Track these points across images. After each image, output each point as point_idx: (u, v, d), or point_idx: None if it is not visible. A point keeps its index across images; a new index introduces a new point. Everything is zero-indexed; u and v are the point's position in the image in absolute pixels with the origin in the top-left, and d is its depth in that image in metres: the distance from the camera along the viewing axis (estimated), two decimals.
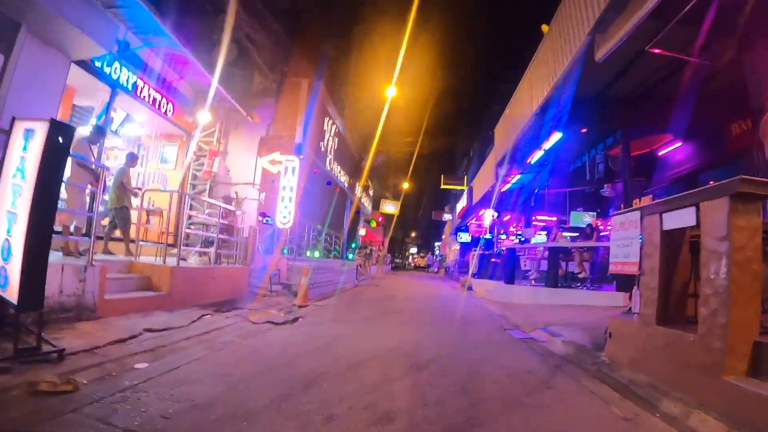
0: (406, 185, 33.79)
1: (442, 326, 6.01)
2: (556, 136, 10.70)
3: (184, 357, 3.80)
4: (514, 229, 24.09)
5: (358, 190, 18.09)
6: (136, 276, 6.40)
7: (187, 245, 8.57)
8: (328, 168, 11.85)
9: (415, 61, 17.86)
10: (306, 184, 13.31)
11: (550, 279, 9.69)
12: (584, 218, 17.23)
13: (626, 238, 4.50)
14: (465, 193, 24.25)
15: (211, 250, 7.32)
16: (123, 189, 6.72)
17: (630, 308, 5.26)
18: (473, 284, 15.26)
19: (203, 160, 9.91)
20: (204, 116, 9.27)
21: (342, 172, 13.85)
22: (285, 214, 8.42)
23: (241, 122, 10.47)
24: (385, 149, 23.30)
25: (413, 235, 71.86)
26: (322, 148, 11.03)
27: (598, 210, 17.72)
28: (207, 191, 9.56)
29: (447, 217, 35.92)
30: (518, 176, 14.47)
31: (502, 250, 20.04)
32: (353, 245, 22.82)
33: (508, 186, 16.14)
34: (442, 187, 26.73)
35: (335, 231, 15.18)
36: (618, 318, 4.65)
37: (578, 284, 9.94)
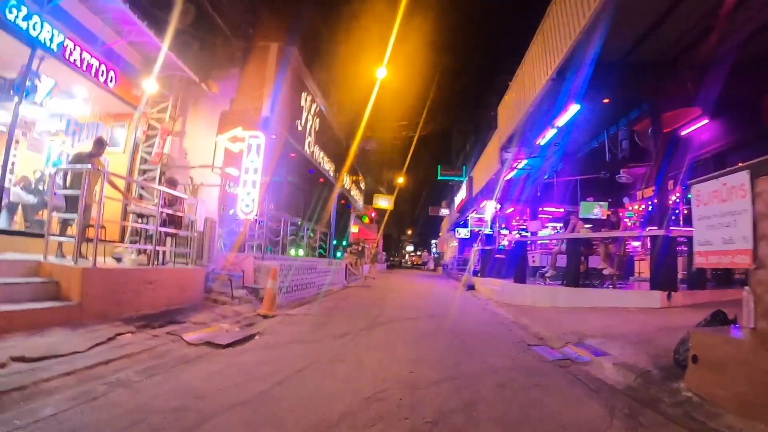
0: (401, 179, 32.34)
1: (446, 345, 4.52)
2: (573, 110, 9.24)
3: (27, 414, 2.33)
4: (516, 223, 22.75)
5: (347, 181, 16.54)
6: (41, 281, 4.91)
7: (134, 242, 7.05)
8: (308, 152, 10.32)
9: (410, 37, 16.35)
10: (284, 172, 11.76)
11: (570, 276, 8.25)
12: (595, 209, 15.90)
13: (723, 213, 3.03)
14: (464, 184, 22.80)
15: (153, 247, 5.80)
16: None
17: (711, 318, 3.82)
18: (475, 283, 13.82)
19: (156, 141, 8.36)
20: (150, 85, 7.73)
21: (326, 160, 12.32)
22: (247, 202, 6.90)
23: (202, 97, 8.93)
24: (379, 139, 21.80)
25: (409, 232, 70.79)
26: (299, 127, 9.50)
27: (610, 200, 16.37)
28: (158, 177, 8.01)
29: (444, 212, 34.49)
30: (525, 161, 13.03)
31: (504, 245, 18.65)
32: (344, 243, 21.32)
33: (512, 174, 14.69)
34: (440, 177, 25.24)
35: (321, 227, 13.65)
36: (708, 334, 3.20)
37: (603, 282, 8.51)
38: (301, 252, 12.58)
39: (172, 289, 6.25)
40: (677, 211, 13.41)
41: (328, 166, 12.59)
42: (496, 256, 14.35)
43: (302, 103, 9.39)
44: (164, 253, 6.54)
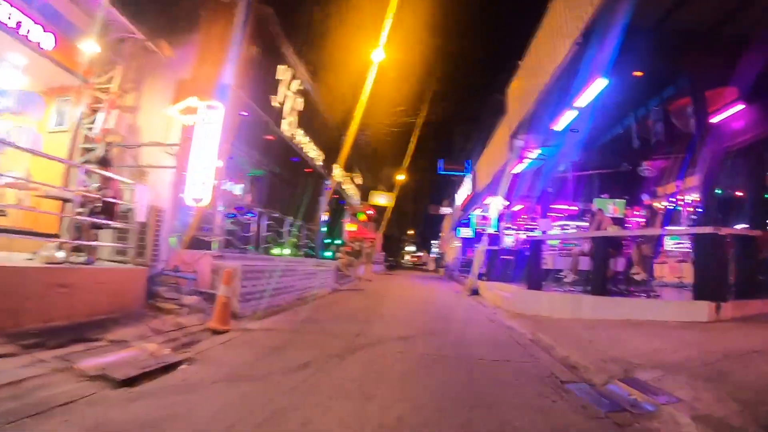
0: (401, 177, 31.03)
1: (448, 386, 3.11)
2: (598, 85, 7.93)
3: None
4: (523, 221, 21.42)
5: (339, 173, 15.25)
6: None
7: (76, 238, 5.77)
8: (287, 134, 9.03)
9: (409, 14, 15.05)
10: (260, 159, 10.49)
11: (596, 283, 6.96)
12: (609, 207, 14.60)
13: None
14: (468, 179, 21.50)
15: (70, 240, 4.54)
16: None
17: None
18: (480, 287, 12.52)
19: (100, 116, 7.09)
20: (89, 46, 6.47)
21: (313, 147, 11.04)
22: (199, 187, 5.60)
23: (161, 67, 7.65)
24: (376, 130, 20.51)
25: (411, 232, 69.70)
26: (275, 104, 8.22)
27: (627, 197, 15.08)
28: (101, 158, 6.72)
29: (445, 210, 33.16)
30: (538, 151, 11.72)
31: (510, 246, 17.34)
32: (338, 242, 20.05)
33: (522, 166, 13.38)
34: (441, 172, 23.90)
35: (308, 223, 12.37)
36: None
37: (635, 289, 7.22)
38: (286, 251, 11.33)
39: (99, 294, 4.99)
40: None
41: (314, 154, 11.31)
42: (503, 257, 13.08)
43: (279, 75, 8.12)
44: (95, 248, 5.28)
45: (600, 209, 7.97)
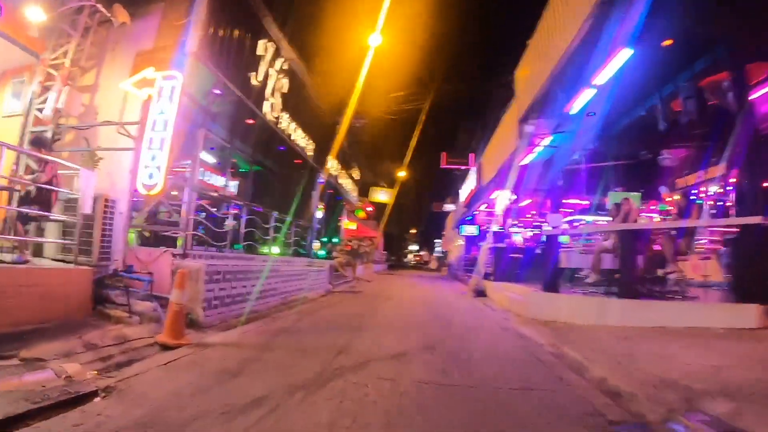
0: (402, 173, 30.14)
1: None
2: (622, 57, 7.04)
3: None
4: (530, 218, 20.48)
5: (334, 166, 14.36)
6: None
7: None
8: (270, 118, 8.15)
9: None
10: (247, 149, 9.64)
11: (624, 284, 6.06)
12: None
13: None
14: (472, 173, 20.57)
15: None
16: None
17: None
18: (486, 288, 11.63)
19: (51, 95, 6.24)
20: (35, 14, 5.63)
21: (302, 135, 10.16)
22: (151, 171, 4.71)
23: (121, 39, 6.81)
24: (374, 120, 19.61)
25: (413, 231, 68.93)
26: (254, 82, 7.34)
27: (642, 190, 14.16)
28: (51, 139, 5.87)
29: (449, 207, 32.23)
30: (549, 138, 10.80)
31: (520, 243, 16.44)
32: (334, 240, 19.19)
33: (532, 156, 12.46)
34: (444, 166, 22.95)
35: (301, 220, 11.50)
36: None
37: (666, 291, 6.33)
38: (275, 250, 10.48)
39: (28, 299, 4.16)
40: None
41: (304, 143, 10.42)
42: (511, 255, 12.18)
43: (260, 50, 7.25)
44: (27, 245, 4.44)
45: (627, 198, 7.07)
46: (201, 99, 6.99)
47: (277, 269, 7.63)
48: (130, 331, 4.37)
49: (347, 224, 25.37)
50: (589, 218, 15.25)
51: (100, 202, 4.97)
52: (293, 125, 9.35)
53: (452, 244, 34.83)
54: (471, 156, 21.32)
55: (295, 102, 9.31)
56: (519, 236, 18.66)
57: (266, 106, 7.77)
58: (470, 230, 25.71)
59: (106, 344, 3.99)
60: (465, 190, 23.02)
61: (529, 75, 9.78)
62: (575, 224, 14.48)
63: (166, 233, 5.90)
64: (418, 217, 59.39)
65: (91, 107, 6.67)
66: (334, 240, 19.17)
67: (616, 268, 6.90)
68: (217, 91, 6.72)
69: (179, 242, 5.64)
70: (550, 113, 9.76)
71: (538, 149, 11.12)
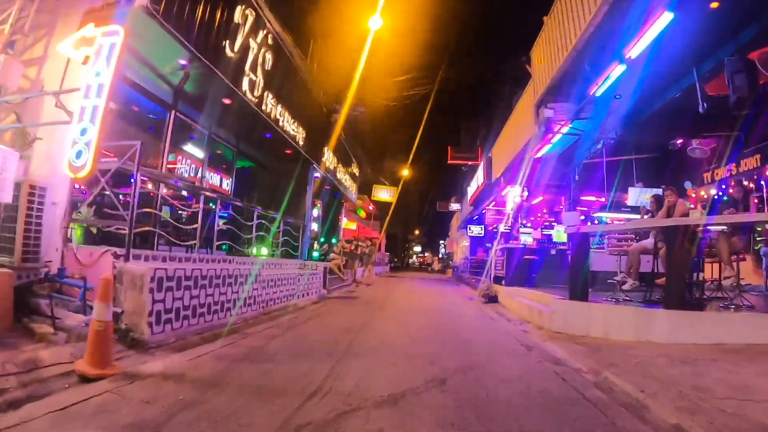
0: (405, 172, 29.14)
1: None
2: (661, 23, 6.06)
3: None
4: (541, 216, 19.49)
5: (330, 158, 13.39)
6: None
7: None
8: (251, 96, 7.17)
9: None
10: (227, 135, 8.70)
11: (672, 291, 5.07)
12: (643, 198, 12.65)
13: None
14: (480, 169, 19.57)
15: None
16: None
17: None
18: (499, 294, 10.65)
19: None
20: None
21: (291, 121, 9.18)
22: (80, 148, 3.75)
23: (75, 4, 5.87)
24: (379, 118, 18.68)
25: (417, 232, 68.13)
26: (230, 54, 6.39)
27: (663, 186, 13.15)
28: None
29: (455, 206, 31.24)
30: (568, 127, 9.79)
31: (533, 244, 15.44)
32: (333, 240, 18.23)
33: (547, 148, 11.48)
34: (451, 162, 21.94)
35: (292, 217, 10.56)
36: None
37: (720, 298, 5.33)
38: (264, 251, 9.56)
39: None
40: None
41: (294, 130, 9.45)
42: (526, 257, 11.20)
43: (237, 18, 6.31)
44: None
45: (671, 189, 6.07)
46: (165, 71, 6.07)
47: (260, 273, 6.68)
48: (48, 354, 3.43)
49: (347, 224, 24.44)
50: (604, 216, 14.29)
51: (23, 189, 4.04)
52: (280, 109, 8.38)
53: (457, 245, 33.85)
54: (479, 150, 20.32)
55: (282, 83, 8.35)
56: (529, 237, 17.71)
57: (245, 83, 6.82)
58: (477, 230, 24.77)
59: (6, 372, 3.05)
60: (472, 187, 22.03)
61: (548, 53, 8.79)
62: (595, 222, 13.51)
63: (121, 230, 4.94)
64: (422, 218, 58.51)
65: (38, 81, 5.74)
66: (333, 240, 18.23)
67: (656, 272, 5.94)
68: (182, 61, 5.79)
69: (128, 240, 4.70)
70: (572, 96, 8.79)
71: (556, 138, 10.12)
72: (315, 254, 13.22)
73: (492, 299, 10.41)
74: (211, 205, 6.84)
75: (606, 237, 8.53)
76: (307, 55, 11.56)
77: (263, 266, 7.17)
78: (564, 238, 13.42)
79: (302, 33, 11.06)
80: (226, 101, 7.03)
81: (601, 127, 9.45)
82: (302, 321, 6.27)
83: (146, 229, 4.94)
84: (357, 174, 19.33)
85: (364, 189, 23.94)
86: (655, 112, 9.22)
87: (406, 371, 3.59)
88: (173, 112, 7.10)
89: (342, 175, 15.89)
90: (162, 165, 7.09)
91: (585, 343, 4.98)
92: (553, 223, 18.06)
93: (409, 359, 3.98)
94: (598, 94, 8.20)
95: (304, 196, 11.58)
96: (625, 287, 5.76)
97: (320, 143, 11.91)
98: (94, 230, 5.30)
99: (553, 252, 11.70)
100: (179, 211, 6.54)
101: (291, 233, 10.21)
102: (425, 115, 19.39)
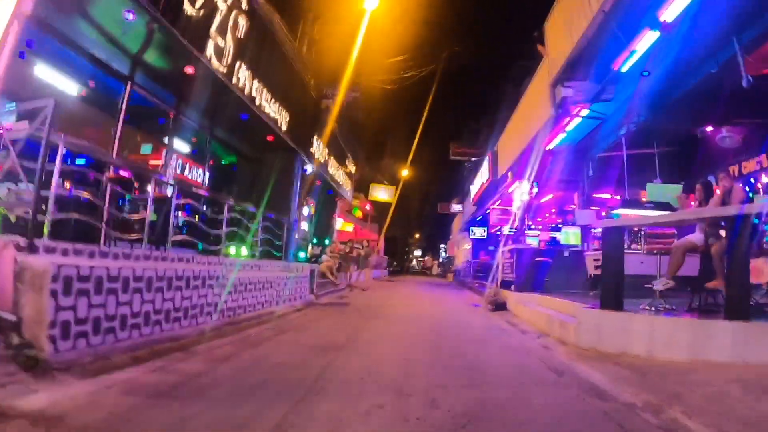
0: (405, 172, 28.21)
1: None
2: None
3: None
4: (549, 216, 18.57)
5: (320, 150, 12.41)
6: None
7: None
8: (217, 65, 6.19)
9: None
10: (195, 114, 7.70)
11: (734, 299, 4.09)
12: (666, 193, 11.69)
13: None
14: (484, 167, 18.62)
15: None
16: None
17: None
18: (507, 299, 9.67)
19: None
20: None
21: (272, 101, 8.18)
22: None
23: None
24: (377, 109, 17.74)
25: (417, 236, 67.49)
26: (189, 11, 5.42)
27: (683, 182, 12.21)
28: None
29: (456, 208, 30.29)
30: (586, 110, 8.84)
31: (545, 245, 14.48)
32: (326, 241, 17.27)
33: (561, 137, 10.55)
34: (452, 157, 20.98)
35: (277, 214, 9.57)
36: None
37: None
38: (243, 251, 8.58)
39: None
40: None
41: (275, 112, 8.46)
42: (538, 259, 10.22)
43: None
44: None
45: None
46: (113, 29, 5.11)
47: (225, 275, 5.70)
48: None
49: (344, 225, 23.48)
50: (624, 211, 13.38)
51: None
52: (257, 84, 7.40)
53: (459, 248, 32.85)
54: (483, 145, 19.36)
55: (259, 55, 7.37)
56: (536, 240, 16.76)
57: (210, 48, 5.86)
58: (480, 232, 23.89)
59: None
60: (475, 185, 21.07)
61: (566, 23, 7.84)
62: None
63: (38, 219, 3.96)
64: (422, 221, 57.74)
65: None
66: (326, 241, 17.26)
67: (701, 274, 4.98)
68: (129, 15, 4.83)
69: (45, 230, 3.73)
70: (592, 74, 7.84)
71: (573, 123, 9.17)
72: (302, 255, 12.23)
73: (500, 306, 9.44)
74: (168, 193, 5.86)
75: (641, 235, 7.57)
76: (296, 36, 10.64)
77: (233, 267, 6.19)
78: (572, 240, 12.53)
79: (292, 13, 10.16)
80: (189, 70, 6.05)
81: (626, 110, 8.49)
82: (274, 334, 5.26)
83: (65, 216, 3.97)
84: (353, 171, 18.37)
85: (361, 187, 22.94)
86: (686, 93, 8.25)
87: (396, 422, 2.51)
88: (129, 84, 6.13)
89: (335, 171, 14.93)
90: (114, 148, 6.13)
91: (626, 364, 4.00)
92: (560, 225, 17.13)
93: (401, 398, 2.87)
94: (624, 69, 7.26)
95: (290, 190, 10.60)
96: (658, 287, 4.77)
97: (308, 131, 10.94)
98: (12, 218, 4.33)
99: (566, 254, 10.77)
100: (124, 199, 5.58)
101: (274, 231, 9.23)
102: (428, 103, 18.38)
